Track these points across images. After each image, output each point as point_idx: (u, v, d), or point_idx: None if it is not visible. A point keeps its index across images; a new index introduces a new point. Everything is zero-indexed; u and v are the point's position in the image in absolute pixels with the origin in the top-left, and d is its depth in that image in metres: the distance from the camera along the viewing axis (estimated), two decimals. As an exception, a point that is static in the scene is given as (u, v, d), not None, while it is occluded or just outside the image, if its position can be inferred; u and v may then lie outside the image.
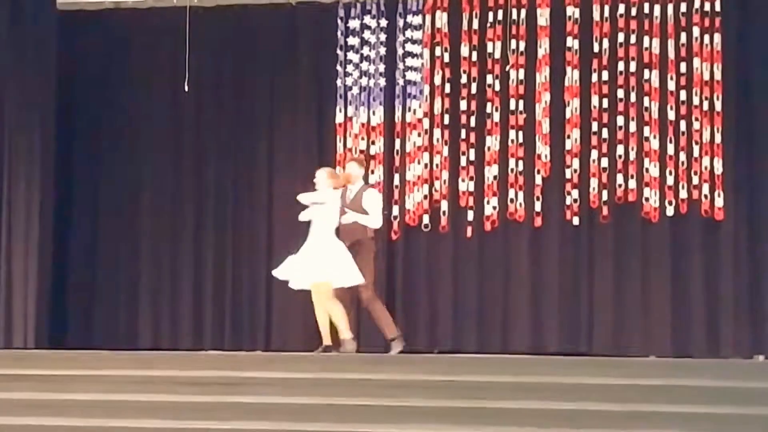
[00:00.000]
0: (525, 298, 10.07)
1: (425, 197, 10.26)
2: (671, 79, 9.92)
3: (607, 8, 10.07)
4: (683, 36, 9.93)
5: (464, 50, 10.28)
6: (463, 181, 10.22)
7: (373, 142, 10.40)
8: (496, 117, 10.20)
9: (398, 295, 10.24)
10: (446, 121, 10.29)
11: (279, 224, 10.30)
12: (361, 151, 10.25)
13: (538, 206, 10.07)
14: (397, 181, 10.30)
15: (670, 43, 9.95)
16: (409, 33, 10.35)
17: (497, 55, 10.20)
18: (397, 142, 10.38)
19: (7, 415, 7.51)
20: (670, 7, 9.97)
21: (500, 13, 10.20)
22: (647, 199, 9.90)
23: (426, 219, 10.25)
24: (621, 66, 10.01)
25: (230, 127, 10.81)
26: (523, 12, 10.18)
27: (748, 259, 9.79)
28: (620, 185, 9.95)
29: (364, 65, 10.41)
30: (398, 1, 10.41)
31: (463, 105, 10.26)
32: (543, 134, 10.11)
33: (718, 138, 9.83)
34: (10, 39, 10.44)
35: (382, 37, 10.41)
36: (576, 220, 10.02)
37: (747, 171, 9.87)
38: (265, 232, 10.50)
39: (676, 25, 9.96)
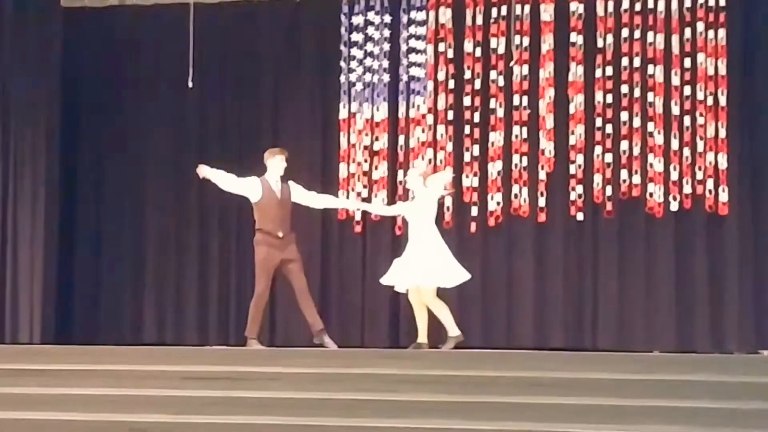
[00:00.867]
0: (529, 293, 10.08)
1: (429, 193, 10.26)
2: (675, 74, 9.93)
3: (611, 4, 10.07)
4: (688, 31, 9.94)
5: (468, 46, 10.29)
6: (467, 176, 10.23)
7: (377, 138, 10.42)
8: (500, 113, 10.21)
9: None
10: (450, 117, 10.30)
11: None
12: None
13: (542, 202, 10.08)
14: (401, 176, 10.31)
15: (675, 38, 9.95)
16: (412, 29, 10.36)
17: (501, 50, 10.21)
18: (401, 138, 10.39)
19: (13, 409, 7.52)
20: (675, 2, 9.97)
21: (504, 8, 10.21)
22: (651, 195, 9.90)
23: (430, 214, 10.25)
24: (625, 61, 10.01)
25: (234, 123, 10.84)
26: (527, 8, 10.19)
27: (752, 254, 9.80)
28: (624, 181, 9.95)
29: (368, 61, 10.42)
30: (402, -2, 10.43)
31: (466, 101, 10.27)
32: (547, 130, 10.11)
33: (722, 133, 9.83)
34: (15, 36, 10.47)
35: (386, 33, 10.42)
36: (580, 216, 10.03)
37: (751, 166, 9.88)
38: (269, 227, 10.51)
39: (681, 21, 9.96)
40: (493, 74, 10.23)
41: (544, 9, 10.16)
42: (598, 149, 10.02)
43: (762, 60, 9.89)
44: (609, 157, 9.99)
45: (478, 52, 10.26)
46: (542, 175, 10.10)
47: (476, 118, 10.26)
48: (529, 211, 10.09)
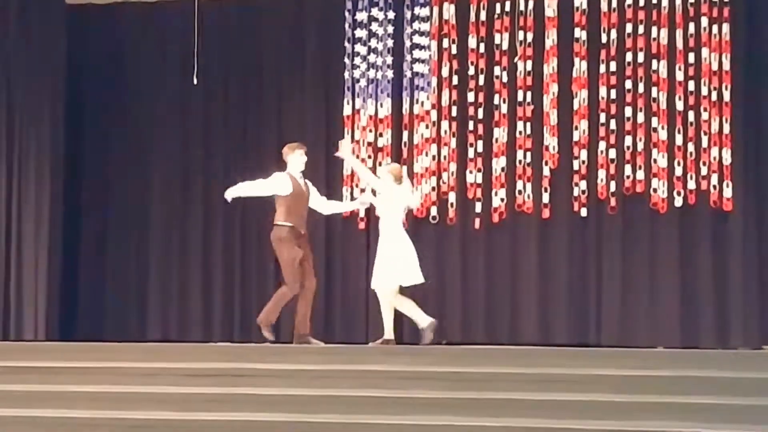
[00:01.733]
0: (533, 289, 10.07)
1: (433, 189, 10.26)
2: (679, 69, 9.90)
3: (614, -1, 10.07)
4: (692, 26, 9.91)
5: (472, 42, 10.27)
6: (470, 172, 10.22)
7: (380, 134, 10.41)
8: (504, 108, 10.20)
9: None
10: (454, 112, 10.29)
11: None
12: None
13: (546, 198, 10.07)
14: (404, 173, 10.30)
15: (679, 33, 9.92)
16: (416, 25, 10.35)
17: (505, 46, 10.20)
18: (405, 134, 10.38)
19: (18, 406, 7.55)
20: (678, -2, 9.96)
21: (507, 4, 10.18)
22: (655, 190, 9.88)
23: (434, 211, 10.26)
24: (629, 57, 9.99)
25: (239, 119, 10.84)
26: (531, 3, 10.16)
27: (756, 249, 9.77)
28: (628, 176, 9.93)
29: (372, 57, 10.41)
30: (405, -7, 10.42)
31: (470, 97, 10.26)
32: (551, 125, 10.10)
33: (726, 128, 9.81)
34: (19, 34, 10.48)
35: (390, 29, 10.40)
36: (584, 212, 10.02)
37: (756, 161, 9.85)
38: (273, 224, 10.53)
39: (685, 16, 9.93)
40: (497, 70, 10.21)
41: (547, 4, 10.14)
42: (602, 145, 10.00)
43: (766, 54, 9.85)
44: (613, 153, 9.97)
45: (482, 48, 10.25)
46: (546, 171, 10.08)
47: (480, 114, 10.24)
48: (533, 207, 10.08)
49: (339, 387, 7.48)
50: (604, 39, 10.04)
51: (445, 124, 10.29)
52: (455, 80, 10.29)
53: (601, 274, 10.01)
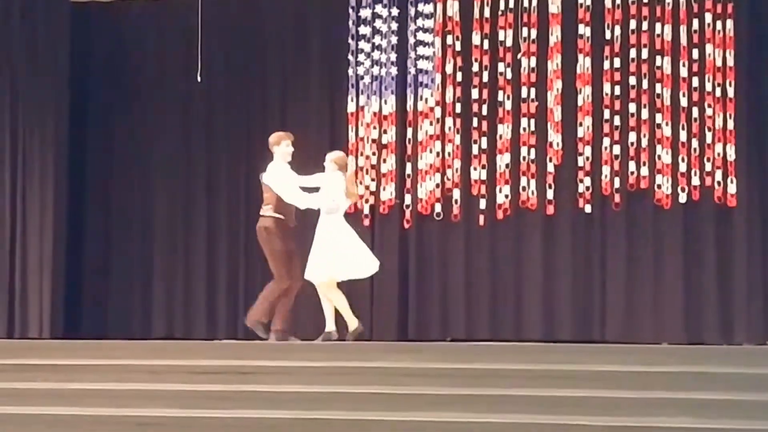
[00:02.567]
0: (537, 285, 10.08)
1: (437, 186, 10.26)
2: (683, 65, 9.90)
3: (619, -5, 10.06)
4: (695, 22, 9.90)
5: (476, 38, 10.27)
6: (475, 169, 10.22)
7: (385, 131, 10.40)
8: (508, 105, 10.19)
9: (411, 283, 10.27)
10: (458, 109, 10.29)
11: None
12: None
13: (550, 194, 10.07)
14: (409, 170, 10.31)
15: (683, 29, 9.91)
16: (420, 22, 10.34)
17: (509, 43, 10.19)
18: (409, 131, 10.38)
19: (23, 404, 7.56)
20: (682, -6, 9.95)
21: (511, 0, 10.17)
22: (659, 186, 9.88)
23: (438, 208, 10.26)
24: (633, 53, 9.98)
25: (242, 116, 10.84)
26: (535, 0, 10.16)
27: (760, 245, 9.78)
28: (632, 172, 9.93)
29: (376, 54, 10.40)
30: (409, -10, 10.42)
31: (474, 93, 10.25)
32: (555, 122, 10.10)
33: (730, 124, 9.81)
34: (23, 32, 10.49)
35: (394, 26, 10.39)
36: (588, 208, 10.01)
37: (760, 157, 9.86)
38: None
39: (689, 11, 9.92)
40: (501, 66, 10.21)
41: (551, 1, 10.12)
42: (606, 141, 10.00)
43: (770, 50, 9.86)
44: (617, 149, 9.97)
45: (486, 44, 10.24)
46: (550, 168, 10.08)
47: (484, 110, 10.24)
48: (537, 204, 10.07)
49: (344, 384, 7.48)
50: (608, 35, 10.04)
51: (449, 121, 10.28)
52: (459, 77, 10.28)
53: (605, 270, 10.01)
